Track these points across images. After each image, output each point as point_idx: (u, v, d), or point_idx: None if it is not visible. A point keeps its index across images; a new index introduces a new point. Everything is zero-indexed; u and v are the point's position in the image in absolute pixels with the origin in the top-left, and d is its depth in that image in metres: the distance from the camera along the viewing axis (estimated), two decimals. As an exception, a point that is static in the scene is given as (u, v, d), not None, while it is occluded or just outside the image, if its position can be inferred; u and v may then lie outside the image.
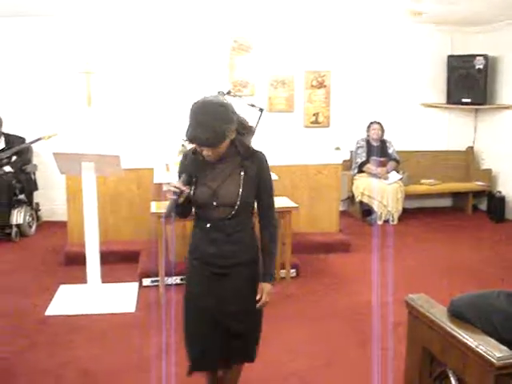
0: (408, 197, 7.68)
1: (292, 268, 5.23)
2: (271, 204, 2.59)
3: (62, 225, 6.48)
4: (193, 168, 2.50)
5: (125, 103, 7.39)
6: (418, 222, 7.60)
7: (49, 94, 7.28)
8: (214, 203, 2.45)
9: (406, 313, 2.01)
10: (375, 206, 7.39)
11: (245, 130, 2.52)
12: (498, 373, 1.54)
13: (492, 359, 1.55)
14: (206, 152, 2.39)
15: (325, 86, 7.82)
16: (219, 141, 2.34)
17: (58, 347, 3.90)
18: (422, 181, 8.01)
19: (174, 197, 2.39)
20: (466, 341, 1.66)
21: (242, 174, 2.47)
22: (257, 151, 2.54)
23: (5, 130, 6.89)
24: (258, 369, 3.56)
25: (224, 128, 2.32)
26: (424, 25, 7.88)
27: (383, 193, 7.33)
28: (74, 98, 7.28)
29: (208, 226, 2.48)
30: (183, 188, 2.41)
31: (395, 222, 7.42)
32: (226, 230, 2.48)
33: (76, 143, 6.69)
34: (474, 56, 7.85)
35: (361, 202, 7.57)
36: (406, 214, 7.64)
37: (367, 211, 7.55)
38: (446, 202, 8.59)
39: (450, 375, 1.76)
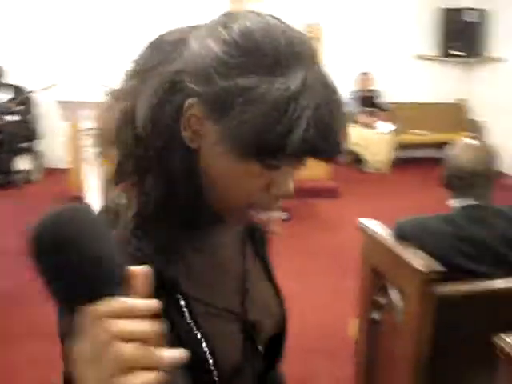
0: (398, 147, 7.94)
1: (283, 211, 5.56)
2: None
3: (65, 171, 6.78)
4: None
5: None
6: (408, 171, 7.88)
7: (50, 46, 7.47)
8: (259, 347, 0.97)
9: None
10: (367, 155, 7.67)
11: None
12: (424, 278, 1.86)
13: (420, 268, 1.87)
14: (287, 186, 0.85)
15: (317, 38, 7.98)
16: None
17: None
18: (413, 131, 8.24)
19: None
20: (401, 254, 1.98)
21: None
22: None
23: (7, 80, 7.16)
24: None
25: None
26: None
27: (374, 142, 7.60)
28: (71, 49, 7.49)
29: None
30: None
31: (386, 171, 7.71)
32: None
33: (77, 93, 6.93)
34: (467, 9, 7.99)
35: (352, 152, 7.84)
36: (397, 163, 7.91)
37: (359, 160, 7.83)
38: (436, 153, 8.83)
39: (389, 286, 2.08)
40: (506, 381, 1.45)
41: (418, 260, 1.91)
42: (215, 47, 0.73)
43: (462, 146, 2.14)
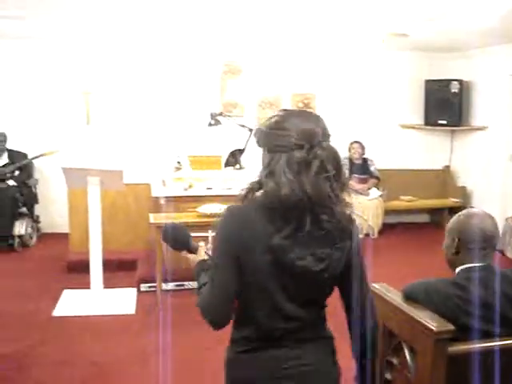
0: (388, 212, 8.16)
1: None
2: None
3: (60, 236, 6.91)
4: None
5: (121, 121, 7.82)
6: (396, 236, 8.07)
7: (50, 113, 7.70)
8: None
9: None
10: (357, 220, 7.85)
11: None
12: (436, 337, 2.00)
13: (432, 327, 2.01)
14: None
15: (310, 108, 8.32)
16: None
17: (66, 342, 4.33)
18: (401, 197, 8.48)
19: None
20: (413, 315, 2.12)
21: None
22: None
23: (8, 146, 7.33)
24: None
25: None
26: (403, 52, 8.41)
27: (364, 208, 7.81)
28: (74, 117, 7.72)
29: None
30: None
31: (375, 236, 7.89)
32: None
33: (76, 159, 7.12)
34: (449, 80, 8.39)
35: (343, 217, 8.02)
36: (386, 228, 8.11)
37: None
38: (424, 218, 9.08)
39: (404, 345, 2.21)
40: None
41: (430, 320, 2.05)
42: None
43: (468, 215, 2.33)
